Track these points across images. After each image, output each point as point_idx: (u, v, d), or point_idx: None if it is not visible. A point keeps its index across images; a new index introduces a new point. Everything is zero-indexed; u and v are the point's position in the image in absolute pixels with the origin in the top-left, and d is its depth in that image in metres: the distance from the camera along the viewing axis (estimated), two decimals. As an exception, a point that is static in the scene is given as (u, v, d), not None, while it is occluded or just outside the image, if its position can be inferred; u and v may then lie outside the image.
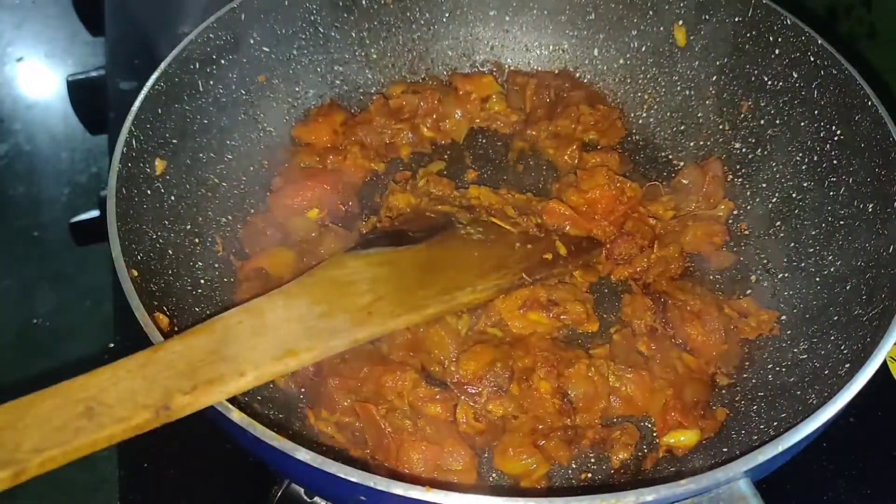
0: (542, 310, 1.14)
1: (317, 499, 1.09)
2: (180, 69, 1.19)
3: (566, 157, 1.38)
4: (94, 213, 1.85)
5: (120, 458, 1.16)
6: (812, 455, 1.00)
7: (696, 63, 1.39)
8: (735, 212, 1.32)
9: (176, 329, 1.00)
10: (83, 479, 2.33)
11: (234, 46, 1.28)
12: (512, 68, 1.52)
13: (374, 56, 1.47)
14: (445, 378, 1.10)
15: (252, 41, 1.31)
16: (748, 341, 1.17)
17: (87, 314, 2.72)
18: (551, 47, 1.51)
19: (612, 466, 1.07)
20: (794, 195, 1.25)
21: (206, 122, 1.25)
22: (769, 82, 1.29)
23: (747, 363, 1.16)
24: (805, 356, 1.10)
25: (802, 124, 1.24)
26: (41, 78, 3.56)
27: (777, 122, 1.29)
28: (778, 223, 1.27)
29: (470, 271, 1.11)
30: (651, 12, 1.40)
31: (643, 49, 1.44)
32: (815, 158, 1.22)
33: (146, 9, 1.84)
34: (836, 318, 1.09)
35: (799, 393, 1.04)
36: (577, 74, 1.50)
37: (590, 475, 1.08)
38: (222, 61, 1.27)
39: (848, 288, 1.10)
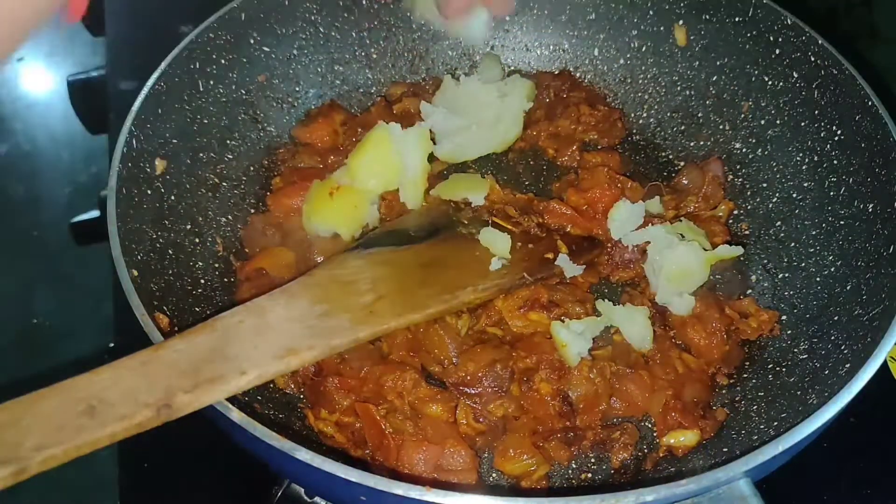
0: (543, 310, 1.14)
1: (317, 499, 1.09)
2: (180, 69, 1.19)
3: (566, 158, 1.38)
4: (95, 213, 1.85)
5: (120, 458, 1.16)
6: (812, 455, 1.00)
7: (697, 63, 1.39)
8: (735, 212, 1.32)
9: (176, 329, 1.00)
10: (83, 479, 2.32)
11: (234, 46, 1.28)
12: (512, 68, 1.52)
13: (375, 56, 1.47)
14: (445, 378, 1.10)
15: (252, 41, 1.31)
16: (749, 342, 1.17)
17: (87, 314, 2.72)
18: (551, 47, 1.52)
19: (612, 467, 1.08)
20: (794, 195, 1.25)
21: (206, 122, 1.25)
22: (769, 82, 1.29)
23: (747, 363, 1.16)
24: (805, 356, 1.10)
25: (803, 124, 1.24)
26: (41, 78, 3.56)
27: (777, 122, 1.29)
28: (778, 223, 1.27)
29: (471, 271, 1.12)
30: (651, 12, 1.40)
31: (643, 49, 1.44)
32: (816, 158, 1.22)
33: (146, 9, 1.84)
34: (836, 318, 1.09)
35: (799, 393, 1.04)
36: (578, 74, 1.50)
37: (590, 475, 1.08)
38: (222, 61, 1.27)
39: (848, 288, 1.10)
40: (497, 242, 1.16)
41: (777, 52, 1.27)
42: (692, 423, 1.08)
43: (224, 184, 1.28)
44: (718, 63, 1.36)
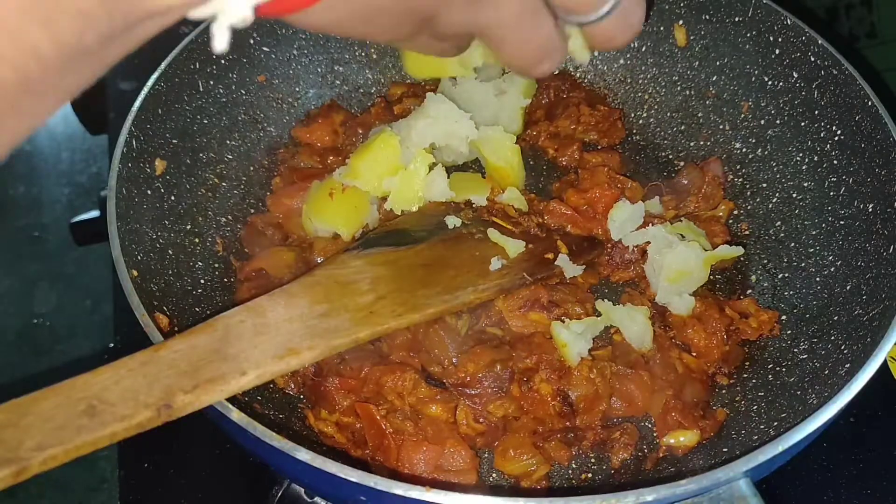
0: (543, 310, 1.14)
1: (317, 499, 1.09)
2: (180, 69, 1.19)
3: (566, 158, 1.38)
4: (95, 213, 1.85)
5: (120, 458, 1.17)
6: (812, 455, 1.00)
7: (697, 63, 1.39)
8: (735, 212, 1.32)
9: (176, 329, 1.00)
10: (83, 478, 2.33)
11: (234, 46, 1.28)
12: (512, 68, 1.52)
13: (375, 56, 1.47)
14: (445, 378, 1.10)
15: (252, 41, 1.31)
16: (749, 342, 1.17)
17: (87, 314, 2.73)
18: (551, 47, 1.51)
19: (612, 467, 1.08)
20: (794, 195, 1.25)
21: (206, 122, 1.25)
22: (769, 82, 1.29)
23: (747, 363, 1.16)
24: (805, 356, 1.10)
25: (803, 124, 1.24)
26: (41, 78, 3.56)
27: (777, 122, 1.29)
28: (778, 223, 1.27)
29: (471, 271, 1.12)
30: (651, 12, 1.40)
31: (643, 49, 1.44)
32: (816, 158, 1.22)
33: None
34: (836, 318, 1.09)
35: (799, 393, 1.04)
36: (578, 74, 1.50)
37: (590, 475, 1.08)
38: (222, 61, 1.27)
39: (848, 288, 1.10)
40: (509, 245, 1.17)
41: (777, 52, 1.27)
42: (692, 423, 1.08)
43: (224, 184, 1.28)
44: (718, 63, 1.36)
